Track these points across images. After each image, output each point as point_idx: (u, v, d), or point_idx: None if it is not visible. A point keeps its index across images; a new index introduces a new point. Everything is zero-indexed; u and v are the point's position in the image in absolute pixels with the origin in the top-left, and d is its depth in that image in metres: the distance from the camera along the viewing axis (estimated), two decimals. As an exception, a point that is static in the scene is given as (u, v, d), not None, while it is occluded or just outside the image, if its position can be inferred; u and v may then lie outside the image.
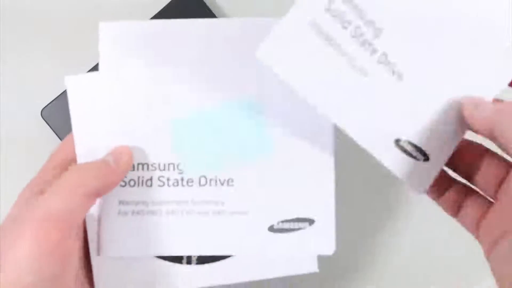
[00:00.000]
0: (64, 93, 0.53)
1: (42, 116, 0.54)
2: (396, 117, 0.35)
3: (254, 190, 0.38)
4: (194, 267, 0.39)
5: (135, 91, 0.39)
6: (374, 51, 0.34)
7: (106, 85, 0.39)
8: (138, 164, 0.38)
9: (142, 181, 0.39)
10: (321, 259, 0.39)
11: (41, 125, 0.54)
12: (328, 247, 0.37)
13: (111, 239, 0.38)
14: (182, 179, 0.38)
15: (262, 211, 0.38)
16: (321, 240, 0.37)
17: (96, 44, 0.44)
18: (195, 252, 0.38)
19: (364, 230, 0.54)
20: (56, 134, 0.53)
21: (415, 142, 0.36)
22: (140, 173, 0.38)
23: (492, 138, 0.33)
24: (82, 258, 0.38)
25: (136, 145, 0.38)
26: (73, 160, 0.38)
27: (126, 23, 0.39)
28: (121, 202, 0.38)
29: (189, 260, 0.39)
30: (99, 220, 0.38)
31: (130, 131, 0.38)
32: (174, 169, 0.38)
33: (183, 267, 0.39)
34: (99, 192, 0.36)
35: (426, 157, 0.36)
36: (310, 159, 0.38)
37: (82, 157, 0.38)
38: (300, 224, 0.38)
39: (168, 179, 0.39)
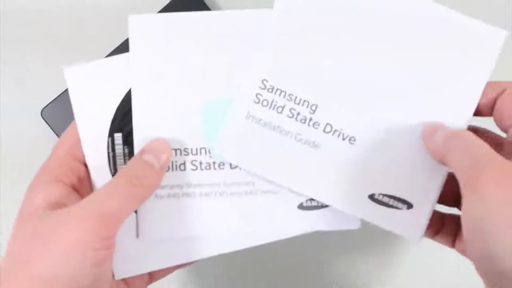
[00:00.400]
0: (64, 93, 0.53)
1: (42, 116, 0.54)
2: (363, 175, 0.39)
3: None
4: None
5: (158, 74, 0.40)
6: (317, 124, 0.39)
7: (117, 71, 0.40)
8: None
9: (176, 165, 0.40)
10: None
11: (41, 125, 0.54)
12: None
13: (149, 222, 0.40)
14: (214, 163, 0.40)
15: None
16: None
17: (96, 44, 0.47)
18: (231, 231, 0.40)
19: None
20: (56, 134, 0.53)
21: (391, 193, 0.39)
22: (173, 158, 0.40)
23: (442, 163, 0.35)
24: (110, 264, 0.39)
25: (167, 131, 0.40)
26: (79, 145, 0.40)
27: (154, 15, 0.40)
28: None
29: None
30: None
31: (157, 117, 0.40)
32: (206, 153, 0.40)
33: None
34: (147, 196, 0.38)
35: (408, 205, 0.39)
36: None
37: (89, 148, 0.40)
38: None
39: (200, 163, 0.40)
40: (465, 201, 0.31)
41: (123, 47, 0.50)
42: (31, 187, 0.37)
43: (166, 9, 0.53)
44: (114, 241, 0.35)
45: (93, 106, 0.40)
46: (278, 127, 0.39)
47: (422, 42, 0.38)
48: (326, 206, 0.40)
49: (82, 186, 0.40)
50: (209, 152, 0.40)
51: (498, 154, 0.31)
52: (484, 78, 0.38)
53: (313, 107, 0.39)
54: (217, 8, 0.56)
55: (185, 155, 0.40)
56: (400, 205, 0.39)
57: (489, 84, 0.37)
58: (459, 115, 0.38)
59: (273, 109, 0.39)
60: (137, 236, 0.39)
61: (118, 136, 0.41)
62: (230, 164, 0.40)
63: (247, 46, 0.40)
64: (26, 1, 0.57)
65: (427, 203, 0.39)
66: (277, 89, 0.39)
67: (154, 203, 0.40)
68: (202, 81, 0.40)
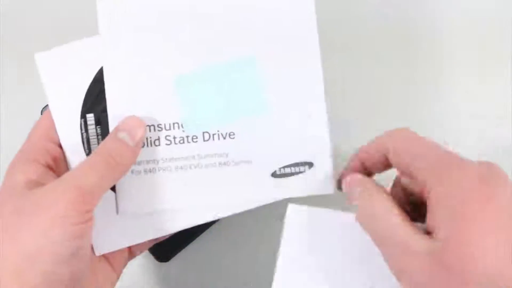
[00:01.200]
0: None
1: None
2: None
3: (254, 141, 0.41)
4: None
5: (129, 53, 0.41)
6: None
7: (85, 54, 0.42)
8: (146, 125, 0.41)
9: (151, 141, 0.41)
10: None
11: None
12: (328, 187, 0.40)
13: (128, 198, 0.41)
14: (187, 137, 0.41)
15: (264, 159, 0.41)
16: (321, 180, 0.40)
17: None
18: (206, 202, 0.41)
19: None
20: None
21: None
22: (148, 134, 0.41)
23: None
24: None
25: (140, 108, 0.41)
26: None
27: None
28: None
29: None
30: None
31: (130, 95, 0.41)
32: (179, 127, 0.41)
33: None
34: (123, 173, 0.39)
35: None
36: (303, 109, 0.41)
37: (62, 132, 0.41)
38: (300, 168, 0.41)
39: (174, 138, 0.41)
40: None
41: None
42: (10, 167, 0.39)
43: None
44: (92, 215, 0.36)
45: (64, 89, 0.41)
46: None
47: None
48: (300, 172, 0.41)
49: (58, 166, 0.41)
50: (182, 127, 0.41)
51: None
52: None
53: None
54: None
55: (158, 130, 0.41)
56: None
57: (372, 147, 0.38)
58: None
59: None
60: (117, 212, 0.41)
61: (90, 117, 0.42)
62: (203, 137, 0.41)
63: (208, 18, 0.41)
64: (27, 1, 0.57)
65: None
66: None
67: (131, 179, 0.41)
68: (171, 57, 0.41)
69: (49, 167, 0.40)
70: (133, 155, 0.39)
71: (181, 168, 0.41)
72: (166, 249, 0.46)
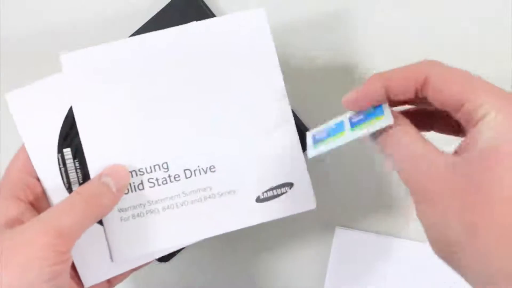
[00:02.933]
0: None
1: None
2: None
3: (234, 171, 0.42)
4: None
5: (98, 104, 0.42)
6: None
7: (57, 89, 0.42)
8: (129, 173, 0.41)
9: (134, 186, 0.42)
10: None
11: None
12: (310, 204, 0.42)
13: (120, 245, 0.42)
14: (169, 176, 0.42)
15: (246, 186, 0.42)
16: (302, 198, 0.42)
17: (96, 44, 0.46)
18: (196, 238, 0.42)
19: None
20: None
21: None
22: (130, 180, 0.42)
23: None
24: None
25: (118, 156, 0.42)
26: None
27: (84, 51, 0.42)
28: (120, 210, 0.42)
29: None
30: (105, 231, 0.41)
31: (106, 145, 0.42)
32: (159, 168, 0.42)
33: None
34: (102, 215, 0.40)
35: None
36: (273, 131, 0.43)
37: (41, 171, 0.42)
38: (282, 189, 0.42)
39: (157, 179, 0.42)
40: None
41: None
42: None
43: (166, 9, 0.53)
44: (69, 256, 0.37)
45: (38, 125, 0.42)
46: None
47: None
48: (282, 194, 0.42)
49: (39, 201, 0.41)
50: (163, 167, 0.42)
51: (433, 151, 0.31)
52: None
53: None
54: (217, 6, 0.55)
55: (140, 174, 0.42)
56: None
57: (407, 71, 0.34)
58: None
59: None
60: (111, 260, 0.41)
61: (67, 151, 0.42)
62: (185, 174, 0.42)
63: (176, 63, 0.42)
64: (27, 1, 0.56)
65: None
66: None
67: (121, 226, 0.41)
68: (141, 103, 0.42)
69: (30, 203, 0.40)
70: (114, 199, 0.40)
71: (168, 207, 0.42)
72: None
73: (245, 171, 0.42)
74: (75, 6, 0.55)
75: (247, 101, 0.42)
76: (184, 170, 0.42)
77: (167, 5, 0.52)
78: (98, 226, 0.41)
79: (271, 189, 0.42)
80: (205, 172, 0.42)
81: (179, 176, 0.42)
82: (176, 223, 0.42)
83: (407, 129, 0.33)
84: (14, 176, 0.41)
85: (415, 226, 0.51)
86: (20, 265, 0.34)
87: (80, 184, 0.42)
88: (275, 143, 0.42)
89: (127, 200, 0.42)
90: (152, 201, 0.42)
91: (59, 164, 0.42)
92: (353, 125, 0.36)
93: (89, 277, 0.42)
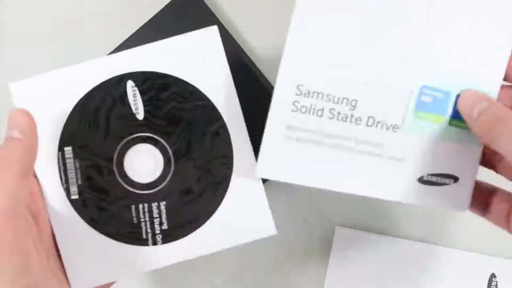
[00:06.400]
0: None
1: None
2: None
3: (414, 141, 0.40)
4: (159, 247, 0.42)
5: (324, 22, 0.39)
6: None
7: (64, 84, 0.42)
8: (314, 92, 0.39)
9: (314, 109, 0.39)
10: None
11: None
12: (464, 205, 0.41)
13: (271, 161, 0.39)
14: (352, 116, 0.39)
15: (416, 161, 0.40)
16: (460, 197, 0.41)
17: (96, 44, 0.47)
18: (344, 189, 0.40)
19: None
20: None
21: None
22: (313, 101, 0.39)
23: (489, 145, 0.35)
24: (52, 247, 0.39)
25: (317, 70, 0.39)
26: None
27: None
28: (288, 127, 0.39)
29: (154, 241, 0.42)
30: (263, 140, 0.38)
31: (311, 53, 0.39)
32: (347, 104, 0.39)
33: (149, 249, 0.42)
34: (25, 172, 0.36)
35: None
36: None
37: None
38: (446, 180, 0.41)
39: (339, 113, 0.39)
40: None
41: (124, 46, 0.51)
42: None
43: (166, 9, 0.52)
44: (26, 232, 0.35)
45: (41, 120, 0.40)
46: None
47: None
48: (444, 184, 0.41)
49: (35, 201, 0.40)
50: (351, 104, 0.39)
51: None
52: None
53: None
54: (217, 7, 0.55)
55: (326, 101, 0.39)
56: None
57: None
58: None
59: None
60: (256, 170, 0.39)
61: (68, 150, 0.42)
62: (367, 121, 0.39)
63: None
64: (25, 1, 0.56)
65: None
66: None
67: (282, 143, 0.39)
68: (363, 32, 0.39)
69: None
70: (32, 149, 0.38)
71: (335, 146, 0.40)
72: None
73: (422, 147, 0.40)
74: (75, 6, 0.55)
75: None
76: (369, 116, 0.40)
77: (167, 5, 0.52)
78: (91, 233, 0.42)
79: (436, 175, 0.41)
80: (387, 129, 0.40)
81: (361, 120, 0.40)
82: (334, 165, 0.40)
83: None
84: None
85: (415, 226, 0.54)
86: None
87: (78, 185, 0.41)
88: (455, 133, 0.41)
89: (300, 119, 0.39)
90: (323, 133, 0.39)
91: (58, 163, 0.41)
92: (455, 115, 0.39)
93: (79, 283, 0.41)
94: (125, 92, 0.42)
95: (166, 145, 0.42)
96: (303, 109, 0.39)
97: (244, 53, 0.53)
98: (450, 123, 0.40)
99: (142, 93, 0.42)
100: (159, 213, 0.43)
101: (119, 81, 0.42)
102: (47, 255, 0.39)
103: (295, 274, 0.55)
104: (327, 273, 0.54)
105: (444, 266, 0.54)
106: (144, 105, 0.42)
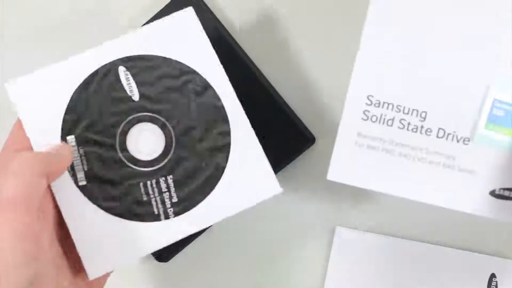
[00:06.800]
0: None
1: None
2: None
3: (485, 154, 0.39)
4: (172, 221, 0.43)
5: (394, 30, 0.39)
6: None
7: (58, 78, 0.43)
8: (384, 102, 0.39)
9: (384, 119, 0.39)
10: None
11: None
12: None
13: (342, 165, 0.40)
14: (422, 127, 0.39)
15: (489, 174, 0.39)
16: None
17: (96, 43, 0.46)
18: (417, 197, 0.40)
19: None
20: None
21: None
22: (383, 111, 0.39)
23: None
24: (55, 241, 0.40)
25: (389, 82, 0.39)
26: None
27: None
28: (359, 134, 0.39)
29: (166, 215, 0.43)
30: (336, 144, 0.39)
31: (381, 65, 0.40)
32: (417, 115, 0.39)
33: (162, 223, 0.43)
34: (49, 174, 0.38)
35: None
36: None
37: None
38: None
39: (408, 123, 0.39)
40: None
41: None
42: None
43: (166, 8, 0.53)
44: (36, 231, 0.36)
45: (40, 114, 0.42)
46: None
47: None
48: None
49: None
50: (421, 116, 0.39)
51: None
52: None
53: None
54: (218, 8, 0.55)
55: (396, 111, 0.39)
56: None
57: None
58: None
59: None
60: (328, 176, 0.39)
61: (71, 139, 0.43)
62: (438, 133, 0.39)
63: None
64: (25, 1, 0.56)
65: None
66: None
67: (352, 149, 0.40)
68: (435, 40, 0.39)
69: None
70: (60, 161, 0.41)
71: (405, 155, 0.40)
72: (166, 249, 0.45)
73: (494, 159, 0.40)
74: (74, 5, 0.56)
75: None
76: (439, 128, 0.39)
77: (167, 5, 0.53)
78: (103, 216, 0.42)
79: (510, 189, 0.40)
80: (458, 141, 0.39)
81: (431, 131, 0.39)
82: (404, 174, 0.40)
83: None
84: (9, 154, 0.40)
85: (415, 226, 0.54)
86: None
87: (85, 171, 0.42)
88: None
89: (371, 128, 0.39)
90: (394, 142, 0.40)
91: None
92: None
93: (94, 268, 0.42)
94: (118, 77, 0.43)
95: (164, 121, 0.44)
96: (374, 118, 0.39)
97: (227, 31, 0.54)
98: None
99: (134, 76, 0.43)
100: (168, 187, 0.43)
101: (111, 67, 0.43)
102: (51, 244, 0.40)
103: (295, 274, 0.55)
104: (327, 273, 0.54)
105: (444, 266, 0.54)
106: (138, 86, 0.44)
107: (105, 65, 0.44)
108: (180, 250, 0.53)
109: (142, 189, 0.44)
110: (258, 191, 0.43)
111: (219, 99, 0.44)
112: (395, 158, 0.40)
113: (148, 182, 0.44)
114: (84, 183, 0.43)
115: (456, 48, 0.39)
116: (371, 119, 0.39)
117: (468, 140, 0.39)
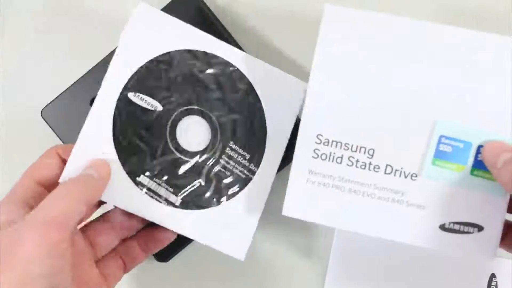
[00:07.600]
0: (64, 92, 0.53)
1: (42, 116, 0.53)
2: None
3: (434, 189, 0.40)
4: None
5: (343, 65, 0.40)
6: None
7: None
8: (333, 141, 0.40)
9: (334, 157, 0.40)
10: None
11: (41, 125, 0.53)
12: (490, 254, 0.40)
13: (295, 202, 0.40)
14: (370, 164, 0.40)
15: (438, 209, 0.40)
16: (485, 246, 0.40)
17: (97, 43, 0.48)
18: (367, 232, 0.40)
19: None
20: (56, 134, 0.53)
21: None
22: (332, 149, 0.40)
23: None
24: (72, 266, 0.40)
25: (334, 120, 0.40)
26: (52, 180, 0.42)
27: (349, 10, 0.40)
28: (310, 172, 0.40)
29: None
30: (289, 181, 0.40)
31: (329, 104, 0.40)
32: (365, 152, 0.40)
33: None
34: (91, 200, 0.40)
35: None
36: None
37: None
38: (469, 228, 0.40)
39: (357, 161, 0.40)
40: None
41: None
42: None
43: (166, 9, 0.52)
44: (67, 247, 0.36)
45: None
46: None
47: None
48: (467, 233, 0.40)
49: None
50: (368, 153, 0.40)
51: None
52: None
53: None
54: (218, 8, 0.55)
55: (344, 149, 0.40)
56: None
57: None
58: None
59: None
60: (283, 211, 0.40)
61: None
62: (385, 169, 0.40)
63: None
64: (25, 1, 0.56)
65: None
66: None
67: (304, 185, 0.40)
68: (381, 80, 0.40)
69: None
70: (99, 185, 0.42)
71: (354, 191, 0.40)
72: (165, 249, 0.46)
73: (443, 195, 0.40)
74: (74, 4, 0.55)
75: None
76: (387, 165, 0.40)
77: (167, 5, 0.52)
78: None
79: (460, 223, 0.40)
80: (405, 177, 0.40)
81: (379, 167, 0.40)
82: (354, 209, 0.40)
83: None
84: (26, 184, 0.41)
85: None
86: (17, 263, 0.34)
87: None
88: (478, 182, 0.40)
89: (321, 165, 0.40)
90: (343, 178, 0.40)
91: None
92: (477, 164, 0.38)
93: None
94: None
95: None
96: (323, 156, 0.40)
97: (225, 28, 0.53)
98: (471, 173, 0.39)
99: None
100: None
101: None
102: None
103: (295, 274, 0.55)
104: (327, 273, 0.53)
105: (444, 266, 0.53)
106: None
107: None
108: (180, 250, 0.53)
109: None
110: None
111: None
112: (346, 194, 0.40)
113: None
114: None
115: (402, 87, 0.39)
116: (321, 157, 0.40)
117: (416, 176, 0.40)
